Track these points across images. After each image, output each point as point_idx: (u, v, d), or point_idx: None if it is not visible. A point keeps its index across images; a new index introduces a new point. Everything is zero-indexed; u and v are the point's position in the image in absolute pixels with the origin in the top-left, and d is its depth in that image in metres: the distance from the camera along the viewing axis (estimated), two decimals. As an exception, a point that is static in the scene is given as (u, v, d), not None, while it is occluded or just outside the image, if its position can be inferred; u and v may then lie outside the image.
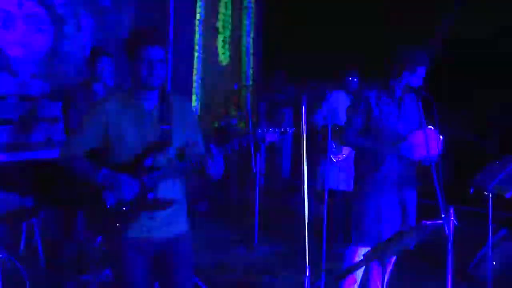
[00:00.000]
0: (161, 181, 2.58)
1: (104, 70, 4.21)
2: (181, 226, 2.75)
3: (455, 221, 3.24)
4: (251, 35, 7.69)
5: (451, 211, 3.21)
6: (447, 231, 3.20)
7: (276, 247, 5.27)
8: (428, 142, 3.32)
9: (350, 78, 5.53)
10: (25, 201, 4.95)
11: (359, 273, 3.74)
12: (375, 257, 1.99)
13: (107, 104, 2.61)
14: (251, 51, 7.71)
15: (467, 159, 5.42)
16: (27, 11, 5.13)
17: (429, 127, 3.44)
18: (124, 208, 2.55)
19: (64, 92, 4.45)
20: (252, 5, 7.67)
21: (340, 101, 5.51)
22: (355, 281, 3.75)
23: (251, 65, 7.70)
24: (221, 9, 7.25)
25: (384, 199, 3.58)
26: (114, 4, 5.90)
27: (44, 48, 5.30)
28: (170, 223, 2.68)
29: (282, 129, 2.53)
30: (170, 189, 2.65)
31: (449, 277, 3.20)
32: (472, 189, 3.70)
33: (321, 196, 5.98)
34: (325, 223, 1.98)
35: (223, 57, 7.28)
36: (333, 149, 5.51)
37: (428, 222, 2.18)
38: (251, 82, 7.58)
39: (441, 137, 3.49)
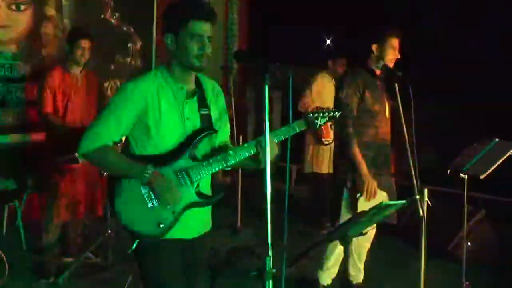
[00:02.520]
0: (206, 174, 2.32)
1: (82, 52, 4.15)
2: (209, 222, 2.53)
3: (429, 202, 3.28)
4: (236, 18, 7.64)
5: (425, 192, 3.25)
6: (421, 212, 3.23)
7: (259, 229, 5.31)
8: None
9: (336, 61, 5.55)
10: (7, 184, 4.96)
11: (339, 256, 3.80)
12: (336, 237, 2.01)
13: (146, 86, 2.27)
14: (236, 33, 7.67)
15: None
16: (7, -8, 5.07)
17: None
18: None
19: (39, 74, 4.39)
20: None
21: (325, 83, 5.54)
22: None
23: (236, 46, 7.66)
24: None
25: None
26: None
27: (25, 29, 5.25)
28: (205, 221, 2.48)
29: (331, 113, 2.43)
30: (207, 182, 2.42)
31: (423, 256, 3.23)
32: (449, 171, 3.74)
33: (307, 179, 6.06)
34: (286, 204, 1.99)
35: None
36: (323, 132, 5.54)
37: (389, 202, 2.20)
38: (236, 66, 7.52)
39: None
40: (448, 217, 4.60)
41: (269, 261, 1.87)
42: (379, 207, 2.07)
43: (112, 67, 6.12)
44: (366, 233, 2.25)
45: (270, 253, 1.88)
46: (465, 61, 5.91)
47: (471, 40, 6.04)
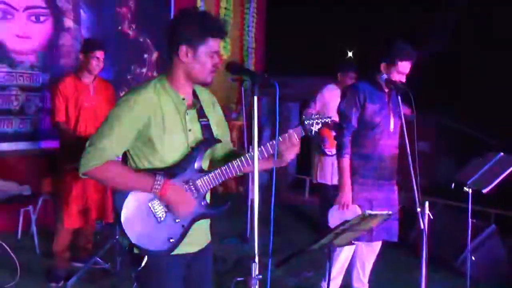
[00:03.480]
0: (213, 184, 2.31)
1: (94, 64, 4.27)
2: (209, 234, 2.51)
3: (430, 215, 3.28)
4: (253, 30, 7.74)
5: (426, 204, 3.26)
6: (422, 225, 3.24)
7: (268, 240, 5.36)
8: None
9: (346, 73, 5.57)
10: (23, 189, 5.10)
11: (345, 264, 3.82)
12: (321, 245, 2.04)
13: (147, 97, 2.22)
14: (253, 45, 7.76)
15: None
16: (27, 3, 5.26)
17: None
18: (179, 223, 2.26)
19: (53, 83, 4.52)
20: (255, -1, 7.73)
21: (333, 95, 5.56)
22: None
23: (253, 59, 7.76)
24: (222, 4, 7.31)
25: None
26: (114, -1, 6.02)
27: (44, 40, 5.43)
28: (207, 233, 2.47)
29: (324, 120, 2.41)
30: (209, 193, 2.40)
31: (423, 269, 3.23)
32: (453, 185, 3.75)
33: (315, 190, 6.09)
34: (272, 213, 2.03)
35: (224, 51, 7.34)
36: (327, 143, 5.57)
37: (372, 212, 2.22)
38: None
39: None
40: (461, 232, 4.59)
41: (255, 267, 1.92)
42: (363, 217, 2.10)
43: (129, 77, 6.25)
44: (354, 244, 2.27)
45: (256, 260, 1.93)
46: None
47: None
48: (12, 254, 3.98)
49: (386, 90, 3.63)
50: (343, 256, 3.70)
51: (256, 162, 2.00)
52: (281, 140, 2.27)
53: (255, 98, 2.01)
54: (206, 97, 2.44)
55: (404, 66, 3.51)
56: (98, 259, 4.34)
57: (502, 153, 3.61)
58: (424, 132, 6.27)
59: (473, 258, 3.77)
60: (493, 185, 3.48)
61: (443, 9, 6.60)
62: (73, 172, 4.24)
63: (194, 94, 2.37)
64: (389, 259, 4.59)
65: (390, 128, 3.67)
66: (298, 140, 2.32)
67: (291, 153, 2.31)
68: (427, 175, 5.16)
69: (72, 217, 4.30)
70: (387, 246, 3.84)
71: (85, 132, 4.28)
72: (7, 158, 5.24)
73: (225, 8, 7.35)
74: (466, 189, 3.63)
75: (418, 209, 3.24)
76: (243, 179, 5.72)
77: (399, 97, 3.43)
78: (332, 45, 7.65)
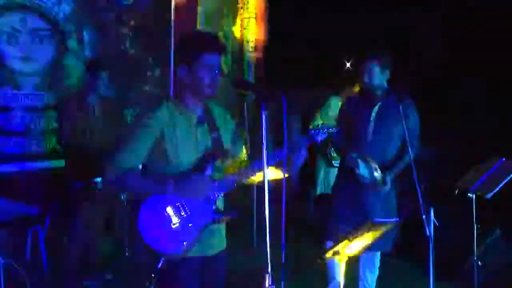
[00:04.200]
0: (223, 191, 2.49)
1: (100, 83, 4.35)
2: (224, 240, 2.66)
3: (435, 222, 3.33)
4: (252, 45, 7.83)
5: (431, 212, 3.30)
6: (428, 232, 3.29)
7: (276, 250, 5.38)
8: None
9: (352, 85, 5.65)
10: (31, 209, 5.14)
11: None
12: (331, 255, 2.09)
13: (159, 113, 2.43)
14: (253, 60, 7.84)
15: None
16: (30, 26, 5.34)
17: None
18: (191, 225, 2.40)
19: (58, 103, 4.60)
20: (254, 15, 7.81)
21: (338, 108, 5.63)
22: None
23: (253, 74, 7.84)
24: (222, 20, 7.41)
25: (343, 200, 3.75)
26: (115, 17, 6.09)
27: (47, 61, 5.51)
28: (222, 239, 2.62)
29: (330, 130, 2.56)
30: (222, 200, 2.58)
31: (431, 276, 3.28)
32: (456, 191, 3.80)
33: (319, 201, 6.13)
34: (284, 222, 2.10)
35: (224, 66, 7.42)
36: (333, 155, 5.64)
37: (380, 220, 2.27)
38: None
39: None
40: (467, 238, 4.61)
41: (269, 278, 1.97)
42: (371, 224, 2.15)
43: (132, 94, 6.32)
44: (363, 252, 2.32)
45: (269, 270, 1.98)
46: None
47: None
48: (23, 273, 4.01)
49: (373, 98, 3.71)
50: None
51: (265, 176, 2.06)
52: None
53: (263, 113, 2.07)
54: (218, 112, 2.61)
55: (370, 68, 3.61)
56: (108, 275, 4.38)
57: (504, 159, 3.66)
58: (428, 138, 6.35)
59: (479, 263, 3.78)
60: (496, 190, 3.52)
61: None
62: (81, 188, 4.30)
63: (207, 109, 2.55)
64: (395, 269, 4.62)
65: (368, 136, 3.70)
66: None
67: (298, 161, 2.49)
68: (432, 182, 5.20)
69: (81, 234, 4.35)
70: (392, 255, 3.88)
71: (91, 150, 4.34)
72: (14, 179, 5.29)
73: (225, 25, 7.45)
74: (469, 195, 3.67)
75: (424, 216, 3.30)
76: (249, 192, 5.76)
77: (400, 107, 3.48)
78: (332, 58, 7.73)
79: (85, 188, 4.22)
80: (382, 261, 3.89)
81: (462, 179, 3.79)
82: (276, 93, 2.16)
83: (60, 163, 4.92)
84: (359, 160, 3.49)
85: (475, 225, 3.73)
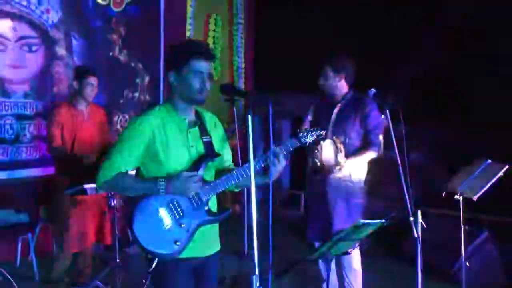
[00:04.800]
0: (214, 193, 2.55)
1: (89, 90, 4.36)
2: (218, 242, 2.72)
3: (423, 223, 3.36)
4: (242, 50, 7.87)
5: (419, 213, 3.33)
6: (415, 233, 3.31)
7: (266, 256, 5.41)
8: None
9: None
10: (21, 217, 5.13)
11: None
12: (317, 256, 2.11)
13: (152, 118, 2.51)
14: (242, 65, 7.88)
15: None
16: (19, 34, 5.35)
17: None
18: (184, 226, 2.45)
19: (48, 109, 4.60)
20: (242, 21, 7.86)
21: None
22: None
23: (243, 79, 7.88)
24: (211, 26, 7.45)
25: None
26: (104, 24, 6.11)
27: (37, 69, 5.51)
28: (215, 240, 2.68)
29: (318, 132, 2.61)
30: (214, 201, 2.63)
31: (419, 278, 3.30)
32: (444, 193, 3.84)
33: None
34: (270, 224, 2.12)
35: (214, 72, 7.46)
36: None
37: (365, 221, 2.30)
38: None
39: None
40: (455, 240, 4.66)
41: (256, 280, 2.00)
42: (356, 226, 2.18)
43: (121, 101, 6.34)
44: (350, 253, 2.35)
45: (256, 272, 2.00)
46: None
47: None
48: (12, 281, 4.01)
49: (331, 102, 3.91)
50: (357, 267, 3.83)
51: (252, 180, 2.10)
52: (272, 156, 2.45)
53: (249, 117, 2.12)
54: (208, 117, 2.70)
55: (326, 73, 3.87)
56: (98, 282, 4.38)
57: (489, 160, 3.71)
58: (416, 143, 6.39)
59: (467, 264, 3.83)
60: (482, 192, 3.57)
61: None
62: (70, 196, 4.31)
63: (197, 114, 2.63)
64: (383, 269, 4.65)
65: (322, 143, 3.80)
66: (290, 150, 2.53)
67: (277, 168, 2.49)
68: (420, 185, 5.25)
69: (71, 242, 4.36)
70: (382, 257, 3.91)
71: (80, 156, 4.34)
72: (3, 187, 5.28)
73: (214, 30, 7.48)
74: (457, 196, 3.72)
75: (411, 218, 3.33)
76: (239, 197, 5.77)
77: (388, 111, 3.54)
78: (322, 62, 7.77)
79: (74, 195, 4.21)
80: (371, 262, 3.92)
81: (450, 181, 3.83)
82: (263, 98, 2.20)
83: (50, 170, 4.92)
84: (321, 146, 3.60)
85: (462, 226, 3.76)
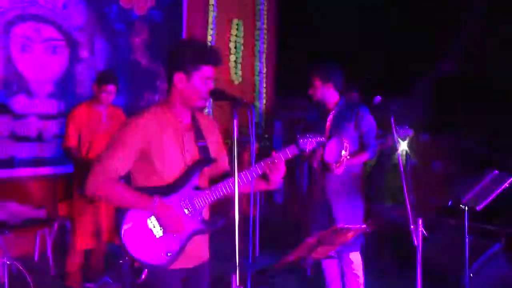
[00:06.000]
0: (209, 201, 2.45)
1: (105, 96, 4.49)
2: (207, 251, 2.64)
3: (424, 232, 3.35)
4: (264, 55, 7.94)
5: (420, 221, 3.32)
6: (416, 242, 3.31)
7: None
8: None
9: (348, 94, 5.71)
10: (39, 213, 5.31)
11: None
12: (299, 257, 2.14)
13: (146, 120, 2.41)
14: (264, 70, 7.94)
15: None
16: (44, 36, 5.55)
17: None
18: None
19: (68, 109, 4.76)
20: (265, 26, 7.92)
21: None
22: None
23: (264, 84, 7.94)
24: (233, 31, 7.53)
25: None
26: (127, 28, 6.27)
27: (60, 70, 5.70)
28: (204, 250, 2.60)
29: (318, 139, 2.50)
30: (207, 210, 2.54)
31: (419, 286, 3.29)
32: (450, 202, 3.82)
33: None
34: (251, 226, 2.17)
35: (235, 76, 7.54)
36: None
37: (348, 226, 2.30)
38: (264, 101, 7.82)
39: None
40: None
41: (235, 279, 2.05)
42: (335, 230, 2.20)
43: (142, 104, 6.48)
44: (332, 257, 2.37)
45: (237, 272, 2.05)
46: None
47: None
48: (27, 275, 4.15)
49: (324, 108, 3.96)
50: (359, 273, 3.85)
51: (236, 184, 2.15)
52: (264, 164, 2.42)
53: (235, 121, 2.18)
54: (205, 121, 2.62)
55: (314, 83, 3.95)
56: (108, 279, 4.49)
57: (496, 171, 3.67)
58: (437, 151, 6.32)
59: (471, 275, 3.78)
60: (486, 202, 3.53)
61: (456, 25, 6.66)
62: (84, 196, 4.43)
63: (193, 117, 2.55)
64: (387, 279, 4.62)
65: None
66: (289, 157, 2.43)
67: (276, 175, 2.43)
68: (440, 195, 5.20)
69: (84, 239, 4.48)
70: (393, 266, 3.88)
71: (96, 157, 4.46)
72: (23, 183, 5.48)
73: (236, 35, 7.57)
74: (462, 206, 3.69)
75: (412, 227, 3.32)
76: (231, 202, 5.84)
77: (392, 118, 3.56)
78: (343, 67, 7.76)
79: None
80: (377, 270, 3.92)
81: (455, 190, 3.80)
82: (246, 105, 2.24)
83: (70, 168, 5.07)
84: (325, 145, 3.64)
85: (467, 236, 3.72)
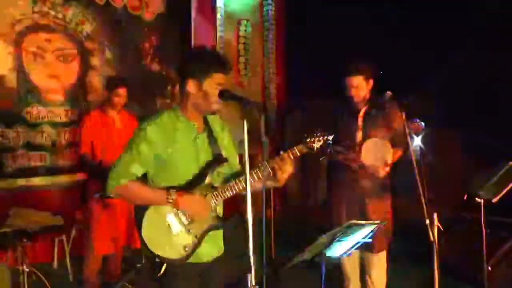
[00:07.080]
0: (222, 198, 2.57)
1: (117, 100, 4.53)
2: (222, 247, 2.75)
3: (440, 227, 3.34)
4: (273, 56, 7.94)
5: (435, 216, 3.31)
6: (432, 237, 3.29)
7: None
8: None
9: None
10: (56, 220, 5.36)
11: None
12: (311, 255, 2.15)
13: (160, 124, 2.54)
14: (273, 71, 7.94)
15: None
16: (56, 46, 5.62)
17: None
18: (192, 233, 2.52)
19: (81, 116, 4.81)
20: (273, 26, 7.93)
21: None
22: None
23: (274, 85, 7.94)
24: (241, 33, 7.55)
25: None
26: (136, 34, 6.32)
27: (72, 78, 5.77)
28: (219, 245, 2.71)
29: (326, 137, 2.54)
30: (221, 207, 2.67)
31: (436, 282, 3.27)
32: (465, 196, 3.79)
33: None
34: (264, 227, 2.18)
35: (244, 78, 7.56)
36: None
37: (357, 222, 2.30)
38: (274, 101, 7.83)
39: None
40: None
41: (251, 278, 2.07)
42: (348, 226, 2.20)
43: (154, 109, 6.52)
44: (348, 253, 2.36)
45: (252, 271, 2.07)
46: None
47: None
48: (45, 281, 4.20)
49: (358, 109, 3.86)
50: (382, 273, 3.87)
51: (248, 183, 2.17)
52: (268, 163, 2.50)
53: (245, 122, 2.20)
54: (216, 123, 2.74)
55: (349, 81, 3.81)
56: (126, 283, 4.53)
57: (511, 162, 3.63)
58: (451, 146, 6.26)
59: (489, 268, 3.75)
60: (501, 194, 3.50)
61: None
62: (100, 201, 4.48)
63: (205, 120, 2.67)
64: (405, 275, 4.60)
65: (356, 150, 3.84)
66: (298, 156, 2.51)
67: (284, 173, 2.50)
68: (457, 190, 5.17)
69: (102, 244, 4.52)
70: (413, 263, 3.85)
71: (110, 162, 4.49)
72: (40, 191, 5.54)
73: (245, 37, 7.58)
74: (477, 199, 3.66)
75: (427, 222, 3.31)
76: (269, 202, 5.84)
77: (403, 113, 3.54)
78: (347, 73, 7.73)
79: (102, 198, 4.38)
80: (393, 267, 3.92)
81: (471, 183, 3.78)
82: (256, 104, 2.32)
83: (84, 175, 5.12)
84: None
85: (483, 230, 3.70)
